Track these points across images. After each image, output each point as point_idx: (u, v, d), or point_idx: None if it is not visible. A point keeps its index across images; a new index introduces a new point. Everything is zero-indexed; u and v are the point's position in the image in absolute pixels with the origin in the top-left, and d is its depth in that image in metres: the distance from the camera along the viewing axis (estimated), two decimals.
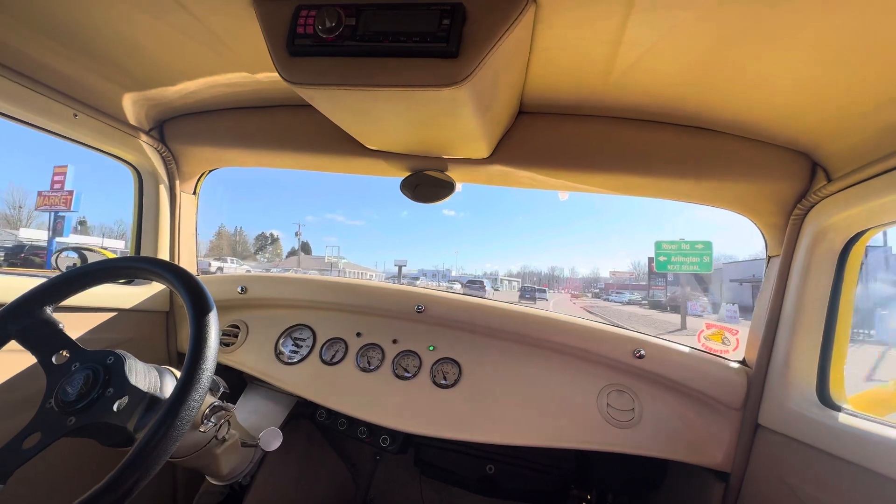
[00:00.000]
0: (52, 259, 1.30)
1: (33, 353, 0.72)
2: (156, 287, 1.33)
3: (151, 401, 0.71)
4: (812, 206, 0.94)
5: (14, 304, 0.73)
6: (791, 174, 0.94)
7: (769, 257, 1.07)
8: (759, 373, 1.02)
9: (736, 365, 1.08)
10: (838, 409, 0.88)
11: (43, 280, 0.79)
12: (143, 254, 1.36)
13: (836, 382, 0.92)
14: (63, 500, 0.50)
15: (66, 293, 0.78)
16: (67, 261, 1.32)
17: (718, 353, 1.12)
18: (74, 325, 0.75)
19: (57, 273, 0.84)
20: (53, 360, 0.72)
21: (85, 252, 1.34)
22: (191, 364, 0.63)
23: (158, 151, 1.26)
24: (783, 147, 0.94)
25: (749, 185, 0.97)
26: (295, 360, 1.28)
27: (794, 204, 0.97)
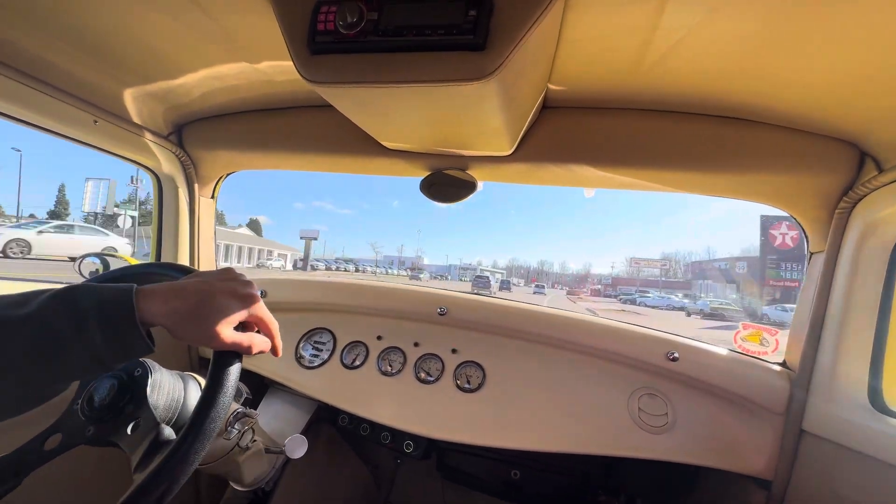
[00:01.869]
0: (76, 265, 1.31)
1: None
2: None
3: (157, 438, 0.66)
4: (860, 199, 0.88)
5: None
6: (836, 165, 0.89)
7: (811, 254, 1.02)
8: (802, 376, 0.96)
9: (777, 367, 1.03)
10: (895, 415, 0.82)
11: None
12: (163, 258, 1.36)
13: (891, 386, 0.86)
14: None
15: None
16: (91, 266, 1.33)
17: (757, 355, 1.07)
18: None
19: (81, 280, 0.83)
20: None
21: (107, 258, 1.35)
22: (206, 397, 0.57)
23: (177, 156, 1.26)
24: (829, 137, 0.88)
25: (790, 178, 0.92)
26: (316, 364, 1.27)
27: (840, 197, 0.91)
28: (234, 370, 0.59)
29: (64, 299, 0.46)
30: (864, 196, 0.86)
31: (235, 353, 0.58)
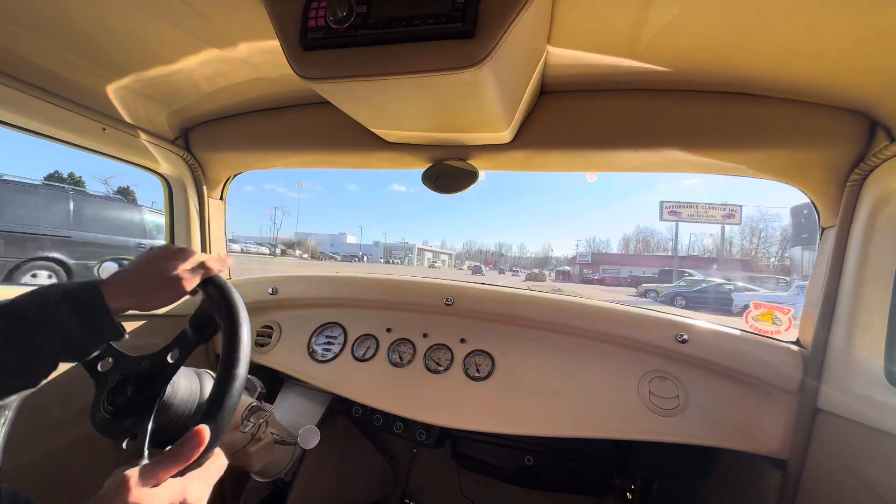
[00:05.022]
0: (96, 269, 1.36)
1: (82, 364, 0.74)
2: None
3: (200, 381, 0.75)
4: (871, 171, 0.85)
5: None
6: (846, 137, 0.86)
7: (823, 229, 0.99)
8: (816, 353, 0.94)
9: (790, 346, 1.01)
10: None
11: None
12: None
13: None
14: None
15: None
16: (110, 270, 1.38)
17: (769, 335, 1.05)
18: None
19: None
20: (99, 367, 0.74)
21: (124, 262, 1.39)
22: (229, 332, 0.65)
23: (185, 160, 1.29)
24: (837, 107, 0.85)
25: (798, 152, 0.89)
26: (328, 357, 1.30)
27: (851, 169, 0.88)
28: (225, 280, 0.70)
29: (33, 294, 0.55)
30: (876, 167, 0.84)
31: (211, 276, 0.70)
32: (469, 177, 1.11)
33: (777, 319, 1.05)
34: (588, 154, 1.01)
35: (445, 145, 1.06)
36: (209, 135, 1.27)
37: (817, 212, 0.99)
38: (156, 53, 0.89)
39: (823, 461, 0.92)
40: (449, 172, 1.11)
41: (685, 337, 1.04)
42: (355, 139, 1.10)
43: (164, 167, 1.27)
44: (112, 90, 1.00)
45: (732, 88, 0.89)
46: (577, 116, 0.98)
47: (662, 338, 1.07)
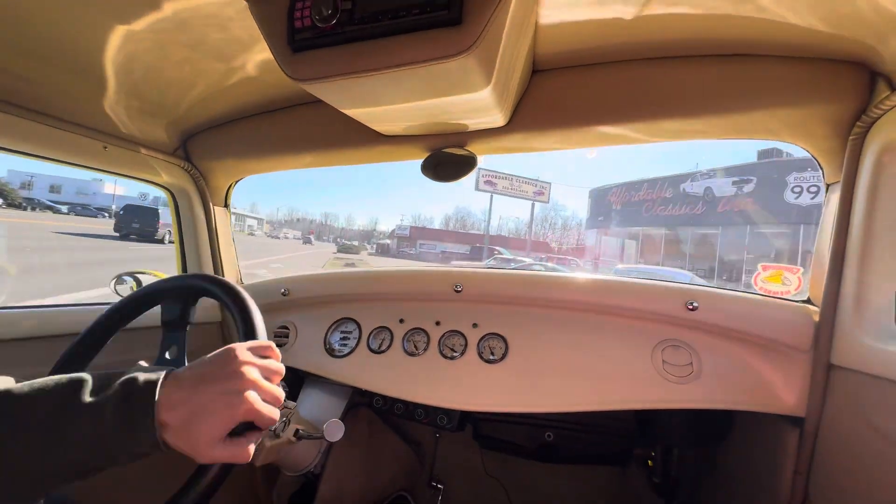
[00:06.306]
0: (111, 286, 1.39)
1: None
2: (208, 300, 1.40)
3: None
4: (873, 122, 0.84)
5: (88, 331, 0.78)
6: (846, 90, 0.85)
7: (827, 185, 0.98)
8: (827, 310, 0.95)
9: (801, 305, 1.01)
10: None
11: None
12: (189, 268, 1.42)
13: None
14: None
15: (130, 317, 0.83)
16: (125, 287, 1.41)
17: (779, 295, 1.06)
18: (143, 344, 0.80)
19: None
20: None
21: (139, 276, 1.42)
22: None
23: (186, 171, 1.30)
24: (835, 60, 0.84)
25: (799, 110, 0.88)
26: (345, 352, 1.32)
27: (853, 123, 0.87)
28: (240, 289, 0.73)
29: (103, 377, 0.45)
30: (878, 118, 0.82)
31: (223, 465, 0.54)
32: (468, 163, 1.11)
33: (787, 280, 1.05)
34: (585, 130, 1.00)
35: (442, 133, 1.06)
36: (207, 143, 1.28)
37: (821, 168, 0.99)
38: (147, 67, 0.90)
39: (840, 415, 0.93)
40: (447, 160, 1.12)
41: (695, 304, 1.05)
42: (352, 136, 1.10)
43: (167, 179, 1.28)
44: (108, 108, 1.01)
45: (729, 51, 0.88)
46: (571, 94, 0.97)
47: (672, 307, 1.08)
